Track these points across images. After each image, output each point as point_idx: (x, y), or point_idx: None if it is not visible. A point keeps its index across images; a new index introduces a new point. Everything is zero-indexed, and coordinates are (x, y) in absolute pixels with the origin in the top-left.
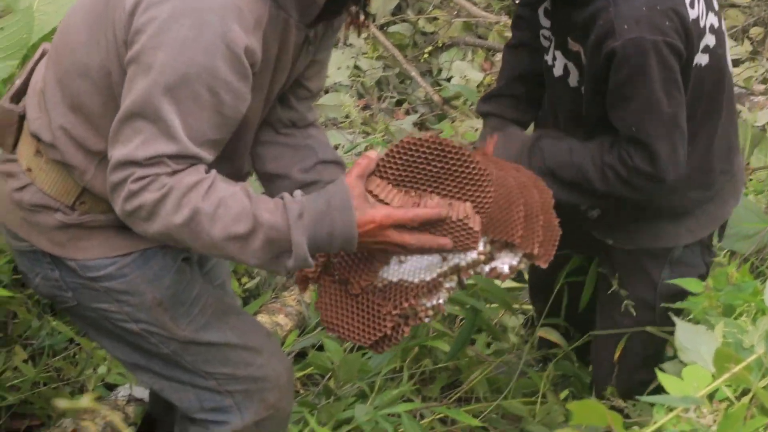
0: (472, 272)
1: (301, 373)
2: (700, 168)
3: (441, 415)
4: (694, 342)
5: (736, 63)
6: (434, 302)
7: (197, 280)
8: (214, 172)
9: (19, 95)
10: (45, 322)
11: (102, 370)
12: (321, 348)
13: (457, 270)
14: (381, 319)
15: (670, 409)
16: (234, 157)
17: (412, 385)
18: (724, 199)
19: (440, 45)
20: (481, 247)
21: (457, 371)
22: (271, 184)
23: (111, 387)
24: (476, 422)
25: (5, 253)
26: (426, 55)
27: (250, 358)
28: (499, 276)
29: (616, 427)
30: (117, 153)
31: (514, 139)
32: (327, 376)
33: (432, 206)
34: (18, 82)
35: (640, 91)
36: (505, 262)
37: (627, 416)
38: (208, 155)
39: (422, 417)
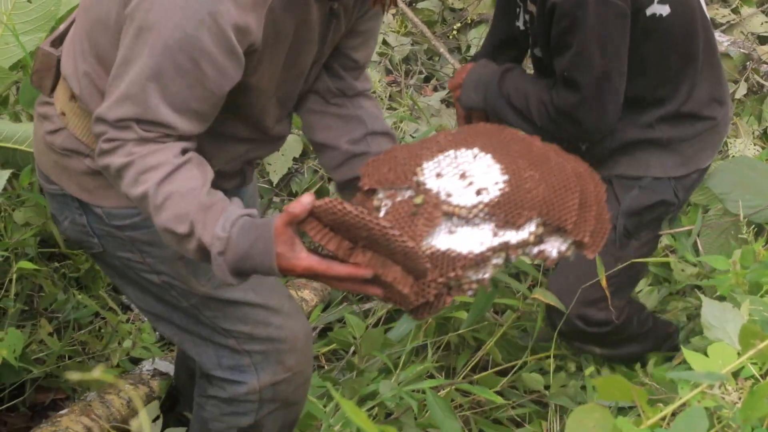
0: (520, 251)
1: (325, 349)
2: (677, 112)
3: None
4: (720, 319)
5: (764, 40)
6: (479, 276)
7: None
8: (187, 156)
9: (60, 39)
10: (70, 296)
11: (127, 344)
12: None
13: (506, 247)
14: (426, 286)
15: (695, 386)
16: (252, 121)
17: (435, 362)
18: (702, 145)
19: (469, 21)
20: (533, 228)
21: (479, 341)
22: (322, 153)
23: (136, 361)
24: (499, 399)
25: (31, 226)
26: (454, 32)
27: (269, 317)
28: (546, 259)
29: (641, 403)
30: (99, 107)
31: (488, 67)
32: (350, 352)
33: (361, 263)
34: (62, 27)
35: (575, 41)
36: (554, 246)
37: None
38: (189, 126)
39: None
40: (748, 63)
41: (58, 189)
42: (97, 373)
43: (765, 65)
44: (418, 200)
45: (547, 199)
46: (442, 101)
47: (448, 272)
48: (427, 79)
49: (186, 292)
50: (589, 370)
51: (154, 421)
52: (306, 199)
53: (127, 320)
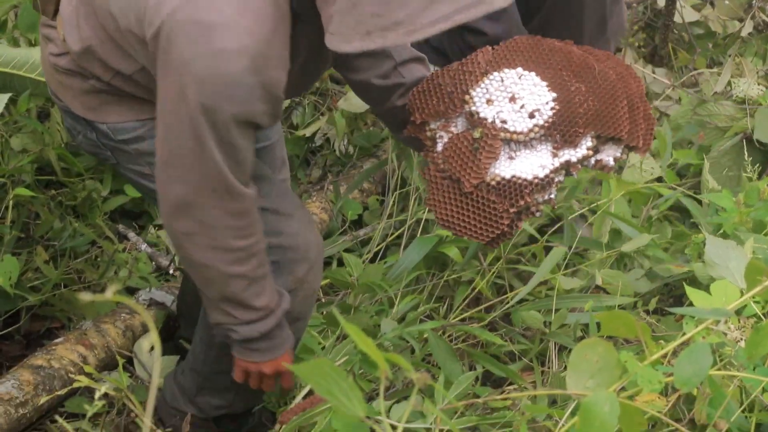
0: (580, 166)
1: (322, 282)
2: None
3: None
4: (724, 257)
5: None
6: (546, 197)
7: None
8: None
9: None
10: (67, 224)
11: (123, 273)
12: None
13: (567, 165)
14: (498, 217)
15: (699, 323)
16: None
17: (434, 301)
18: None
19: None
20: (589, 143)
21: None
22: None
23: (132, 291)
24: (498, 340)
25: (28, 152)
26: None
27: (281, 225)
28: (604, 168)
29: (645, 338)
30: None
31: None
32: (346, 292)
33: None
34: None
35: None
36: (609, 155)
37: (653, 330)
38: None
39: (444, 332)
40: (754, 1)
41: (66, 106)
42: (110, 293)
43: None
44: (477, 134)
45: (599, 112)
46: None
47: (518, 201)
48: None
49: None
50: (589, 305)
51: (150, 350)
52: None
53: (124, 249)
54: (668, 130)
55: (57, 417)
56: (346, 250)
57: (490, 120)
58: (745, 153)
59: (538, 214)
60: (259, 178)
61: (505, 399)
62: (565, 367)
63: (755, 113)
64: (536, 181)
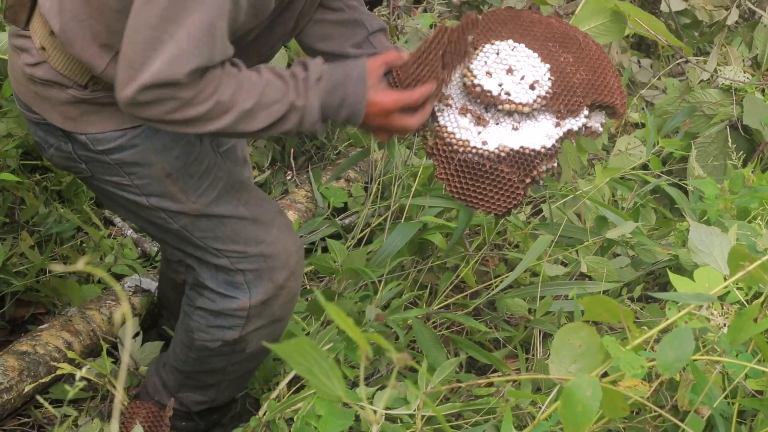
0: (578, 134)
1: (306, 269)
2: None
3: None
4: (707, 243)
5: None
6: (550, 165)
7: (208, 153)
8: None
9: None
10: (53, 210)
11: (109, 259)
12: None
13: (569, 134)
14: (514, 188)
15: (682, 309)
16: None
17: (418, 288)
18: None
19: None
20: (586, 111)
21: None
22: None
23: (118, 277)
24: (483, 327)
25: (13, 137)
26: None
27: (261, 233)
28: (593, 134)
29: (628, 323)
30: (144, 74)
31: None
32: (330, 278)
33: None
34: None
35: None
36: (597, 121)
37: (637, 317)
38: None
39: (428, 319)
40: None
41: (41, 118)
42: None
43: None
44: (481, 108)
45: (592, 82)
46: (431, 26)
47: (531, 172)
48: (417, 1)
49: (175, 213)
50: (573, 292)
51: (134, 337)
52: (403, 53)
53: (109, 235)
54: (652, 118)
55: (41, 400)
56: (330, 237)
57: (495, 93)
58: (729, 140)
59: (542, 183)
60: (237, 185)
61: (489, 385)
62: (550, 355)
63: (742, 100)
64: (544, 151)
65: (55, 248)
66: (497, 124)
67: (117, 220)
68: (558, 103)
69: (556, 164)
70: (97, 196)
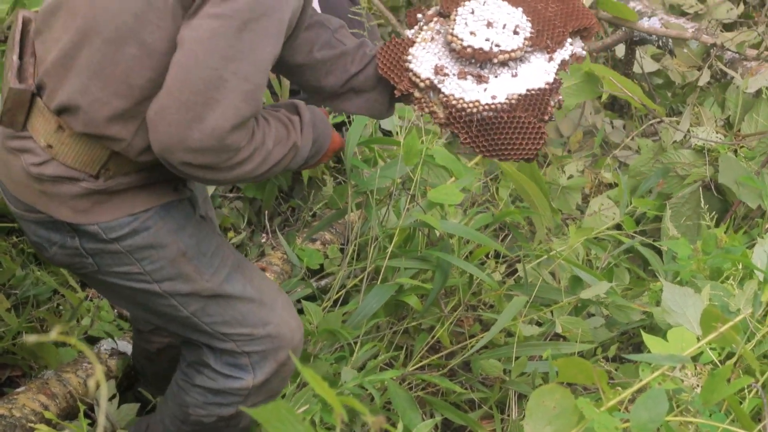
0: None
1: None
2: None
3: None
4: (681, 304)
5: (730, 27)
6: (556, 99)
7: (215, 231)
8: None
9: (21, 72)
10: (29, 272)
11: (86, 321)
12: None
13: (564, 64)
14: (537, 130)
15: (656, 370)
16: None
17: (393, 349)
18: None
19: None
20: (570, 39)
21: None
22: (301, 77)
23: (94, 340)
24: (458, 388)
25: None
26: None
27: (267, 315)
28: (578, 59)
29: (602, 385)
30: (186, 131)
31: None
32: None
33: None
34: (14, 58)
35: None
36: (578, 46)
37: (612, 377)
38: None
39: (404, 380)
40: (711, 50)
41: (45, 217)
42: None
43: (729, 52)
44: (477, 67)
45: (565, 11)
46: None
47: (546, 109)
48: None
49: (188, 296)
50: (547, 353)
51: (110, 399)
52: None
53: (87, 297)
54: (626, 179)
55: None
56: (306, 298)
57: (486, 48)
58: (702, 201)
59: (553, 119)
60: (242, 262)
61: None
62: (525, 416)
63: (716, 160)
64: (548, 86)
65: (32, 311)
66: (496, 77)
67: None
68: (544, 39)
69: (560, 96)
70: (100, 292)
